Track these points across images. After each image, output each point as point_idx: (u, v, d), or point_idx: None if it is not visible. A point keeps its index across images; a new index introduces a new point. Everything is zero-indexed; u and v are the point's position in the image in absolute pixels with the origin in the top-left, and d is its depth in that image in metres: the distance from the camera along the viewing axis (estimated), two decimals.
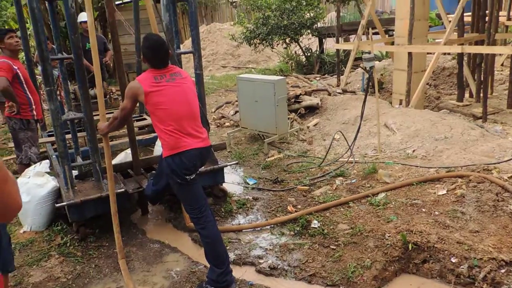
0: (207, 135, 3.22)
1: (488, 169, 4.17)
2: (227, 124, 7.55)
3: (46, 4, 3.85)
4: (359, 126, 5.32)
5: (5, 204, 1.15)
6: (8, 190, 1.15)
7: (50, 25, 4.95)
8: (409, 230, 3.38)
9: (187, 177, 2.97)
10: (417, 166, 4.61)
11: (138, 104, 4.60)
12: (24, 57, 5.43)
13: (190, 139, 2.97)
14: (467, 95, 7.98)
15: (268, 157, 5.73)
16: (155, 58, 2.96)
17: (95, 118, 3.84)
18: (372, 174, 4.61)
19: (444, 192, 3.95)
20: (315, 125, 6.82)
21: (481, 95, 6.80)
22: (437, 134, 5.35)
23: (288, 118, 6.64)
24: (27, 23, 7.26)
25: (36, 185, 3.88)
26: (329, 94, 7.80)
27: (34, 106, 4.61)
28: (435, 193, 3.98)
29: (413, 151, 5.15)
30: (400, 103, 7.40)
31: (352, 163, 5.06)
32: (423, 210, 3.72)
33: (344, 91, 8.12)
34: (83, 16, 6.58)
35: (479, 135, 5.21)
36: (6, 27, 17.88)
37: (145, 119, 6.07)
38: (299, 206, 4.23)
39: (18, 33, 5.00)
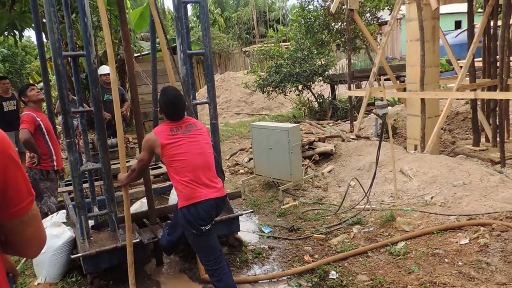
0: (222, 184, 3.23)
1: (511, 217, 4.05)
2: (241, 171, 7.56)
3: (69, 59, 4.03)
4: (375, 172, 5.27)
5: (42, 239, 1.27)
6: (42, 227, 1.26)
7: (71, 77, 5.15)
8: (432, 282, 3.25)
9: (203, 227, 2.95)
10: (436, 214, 4.49)
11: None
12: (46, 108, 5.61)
13: (206, 190, 2.98)
14: (483, 139, 7.91)
15: (283, 205, 5.68)
16: (172, 112, 3.06)
17: (112, 167, 3.89)
18: (390, 222, 4.51)
19: (467, 241, 3.82)
20: (329, 171, 6.78)
21: (498, 139, 6.73)
22: (455, 180, 5.26)
23: (303, 164, 6.63)
24: (50, 74, 7.56)
25: (52, 235, 3.88)
26: (343, 140, 7.82)
27: (54, 157, 4.71)
28: (457, 242, 3.85)
29: (431, 197, 5.05)
30: (415, 149, 7.36)
31: (369, 210, 4.97)
32: (446, 260, 3.59)
33: (358, 137, 8.14)
34: (103, 69, 6.86)
35: (498, 181, 5.10)
36: (30, 80, 18.68)
37: (160, 167, 6.12)
38: (316, 256, 4.12)
39: (40, 84, 5.21)
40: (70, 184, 4.84)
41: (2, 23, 6.01)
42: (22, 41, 8.40)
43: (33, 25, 5.29)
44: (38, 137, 4.55)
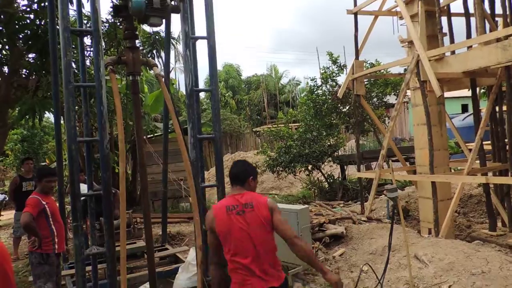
0: (275, 273, 2.97)
1: None
2: None
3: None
4: (388, 257, 5.05)
5: None
6: None
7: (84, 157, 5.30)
8: None
9: None
10: None
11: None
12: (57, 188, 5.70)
13: (254, 279, 2.86)
14: (499, 223, 7.67)
15: None
16: (232, 180, 3.09)
17: (117, 249, 3.82)
18: None
19: None
20: (341, 255, 6.54)
21: None
22: (473, 268, 5.00)
23: (312, 247, 6.43)
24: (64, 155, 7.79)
25: None
26: (354, 222, 7.65)
27: (56, 239, 4.66)
28: None
29: (449, 286, 4.78)
30: (430, 232, 7.14)
31: None
32: None
33: (369, 219, 7.97)
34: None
35: None
36: (47, 160, 19.07)
37: (166, 249, 6.00)
38: None
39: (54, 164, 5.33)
40: (73, 267, 4.72)
41: (23, 108, 6.36)
42: (42, 122, 8.79)
43: (52, 109, 5.57)
44: (41, 219, 4.56)
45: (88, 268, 4.39)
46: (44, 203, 4.58)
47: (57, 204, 5.23)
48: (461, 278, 4.88)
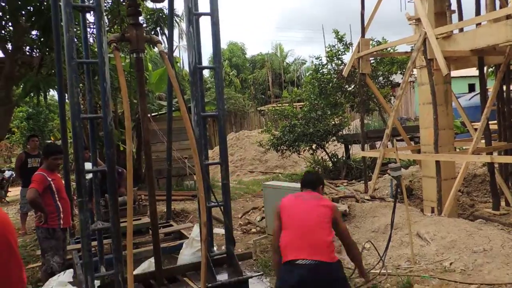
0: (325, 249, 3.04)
1: None
2: (253, 230, 7.43)
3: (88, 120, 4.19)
4: (390, 235, 5.11)
5: None
6: None
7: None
8: None
9: None
10: (456, 282, 4.28)
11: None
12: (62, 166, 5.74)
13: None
14: (503, 203, 7.69)
15: None
16: (305, 184, 3.57)
17: (122, 225, 3.88)
18: None
19: None
20: None
21: None
22: (475, 246, 5.05)
23: None
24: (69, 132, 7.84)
25: None
26: (357, 201, 7.69)
27: (62, 215, 4.74)
28: None
29: (451, 264, 4.84)
30: (432, 211, 7.17)
31: (384, 275, 4.76)
32: None
33: (373, 198, 8.00)
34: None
35: None
36: (52, 137, 19.22)
37: (171, 225, 6.08)
38: None
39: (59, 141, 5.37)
40: (79, 242, 4.81)
41: (27, 85, 6.37)
42: (47, 100, 8.80)
43: (56, 87, 5.57)
44: (47, 195, 4.63)
45: (94, 243, 4.47)
46: (49, 179, 4.64)
47: (63, 181, 5.30)
48: (462, 255, 4.93)
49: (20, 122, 19.38)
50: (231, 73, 37.87)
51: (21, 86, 7.14)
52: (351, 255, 3.44)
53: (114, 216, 3.56)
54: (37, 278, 5.26)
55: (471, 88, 24.82)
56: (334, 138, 12.14)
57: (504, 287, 3.97)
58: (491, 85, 8.28)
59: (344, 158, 12.52)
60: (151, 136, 4.27)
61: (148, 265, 4.56)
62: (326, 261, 2.96)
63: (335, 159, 12.48)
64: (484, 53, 7.13)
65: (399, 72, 12.63)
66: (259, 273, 4.75)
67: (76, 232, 5.86)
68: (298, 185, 6.25)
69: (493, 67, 8.49)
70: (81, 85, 6.62)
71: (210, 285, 3.81)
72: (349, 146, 12.72)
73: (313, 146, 12.20)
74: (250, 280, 4.26)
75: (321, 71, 12.81)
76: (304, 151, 12.53)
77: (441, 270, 4.73)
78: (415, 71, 8.34)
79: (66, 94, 5.86)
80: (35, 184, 4.49)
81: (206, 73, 33.18)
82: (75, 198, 6.11)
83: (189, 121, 3.63)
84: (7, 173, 12.73)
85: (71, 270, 4.33)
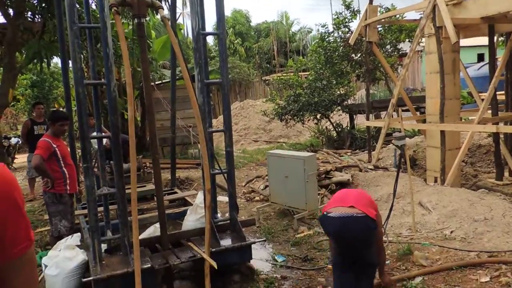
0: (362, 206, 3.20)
1: None
2: (257, 198, 7.53)
3: (92, 87, 4.18)
4: (392, 203, 5.15)
5: (33, 285, 1.24)
6: (35, 272, 1.26)
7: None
8: None
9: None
10: (456, 249, 4.35)
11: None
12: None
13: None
14: (506, 173, 7.69)
15: (298, 234, 5.59)
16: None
17: (128, 192, 3.94)
18: (408, 255, 4.38)
19: (488, 279, 3.67)
20: None
21: None
22: (476, 215, 5.09)
23: (319, 194, 6.56)
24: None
25: (65, 258, 3.91)
26: (360, 170, 7.73)
27: (68, 181, 4.80)
28: (477, 280, 3.70)
29: (451, 232, 4.90)
30: (435, 181, 7.20)
31: (385, 242, 4.84)
32: None
33: (376, 167, 8.03)
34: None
35: None
36: (56, 105, 19.27)
37: (175, 192, 6.15)
38: (329, 287, 4.02)
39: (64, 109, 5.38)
40: (86, 207, 4.90)
41: (30, 51, 6.31)
42: (50, 68, 8.76)
43: (59, 53, 5.52)
44: (53, 161, 4.67)
45: (100, 209, 4.55)
46: (54, 146, 4.67)
47: (68, 148, 5.33)
48: (463, 224, 4.98)
49: (24, 89, 19.38)
50: (236, 41, 37.26)
51: (24, 53, 7.09)
52: (382, 257, 3.64)
53: (119, 181, 3.61)
54: (46, 242, 5.40)
55: (480, 58, 24.33)
56: (339, 108, 12.06)
57: (503, 255, 4.02)
58: (501, 54, 8.12)
59: (348, 128, 12.49)
60: (155, 105, 4.26)
61: (153, 230, 4.66)
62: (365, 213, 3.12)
63: (340, 129, 12.45)
64: (494, 20, 6.96)
65: (407, 40, 12.38)
66: (262, 239, 4.83)
67: (83, 198, 5.97)
68: (303, 153, 6.30)
69: (504, 36, 8.30)
70: (84, 52, 6.56)
71: (214, 249, 3.90)
72: (354, 116, 12.67)
73: (318, 116, 12.15)
74: (253, 246, 4.35)
75: (327, 39, 12.59)
76: (308, 120, 12.49)
77: (441, 238, 4.79)
78: (423, 40, 8.18)
79: (69, 61, 5.83)
80: (40, 150, 4.53)
81: (210, 41, 32.68)
82: (80, 164, 6.18)
83: (192, 88, 3.61)
84: (13, 140, 12.85)
85: (79, 234, 4.43)
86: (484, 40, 8.19)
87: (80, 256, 3.98)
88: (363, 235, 3.12)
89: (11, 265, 1.13)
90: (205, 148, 3.67)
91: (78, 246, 4.14)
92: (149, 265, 3.65)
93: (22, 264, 1.15)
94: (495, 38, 7.58)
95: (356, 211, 3.08)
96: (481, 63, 16.11)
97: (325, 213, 3.21)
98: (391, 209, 5.12)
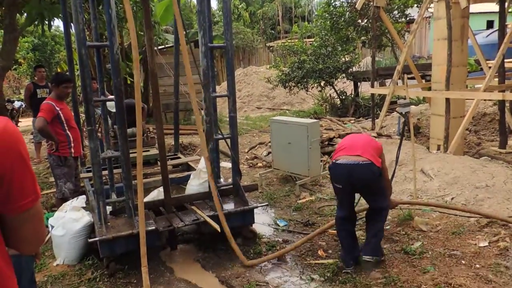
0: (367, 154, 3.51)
1: None
2: (259, 164, 7.58)
3: (94, 50, 4.12)
4: (394, 170, 5.17)
5: (40, 238, 1.30)
6: (43, 225, 1.28)
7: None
8: (448, 283, 3.20)
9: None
10: (456, 215, 4.40)
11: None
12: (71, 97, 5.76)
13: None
14: (510, 142, 7.67)
15: (300, 199, 5.67)
16: None
17: (132, 156, 3.97)
18: (408, 221, 4.44)
19: (486, 244, 3.74)
20: None
21: None
22: (477, 182, 5.12)
23: (321, 160, 6.59)
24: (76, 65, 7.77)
25: (71, 219, 3.99)
26: None
27: (72, 144, 4.82)
28: (475, 244, 3.77)
29: (452, 198, 4.94)
30: (438, 149, 7.20)
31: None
32: (463, 262, 3.52)
33: (379, 135, 8.02)
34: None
35: None
36: (58, 69, 19.17)
37: (179, 157, 6.20)
38: (330, 251, 4.10)
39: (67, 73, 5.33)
40: (91, 171, 4.96)
41: (31, 12, 6.18)
42: (52, 31, 8.63)
43: (61, 15, 5.42)
44: (57, 124, 4.66)
45: (105, 172, 4.60)
46: (58, 109, 4.66)
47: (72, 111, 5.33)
48: (464, 191, 5.02)
49: (26, 53, 19.19)
50: (240, 6, 36.39)
51: (25, 15, 6.95)
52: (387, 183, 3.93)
53: (123, 144, 3.63)
54: (52, 204, 5.51)
55: (489, 25, 23.77)
56: (344, 75, 11.91)
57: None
58: (511, 21, 7.92)
59: (352, 95, 12.39)
60: (158, 70, 4.21)
61: (157, 194, 4.73)
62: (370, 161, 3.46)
63: (344, 97, 12.35)
64: None
65: (415, 5, 12.04)
66: (265, 204, 4.90)
67: (87, 162, 6.03)
68: (306, 120, 6.28)
69: None
70: (86, 15, 6.44)
71: (217, 213, 3.96)
72: (358, 84, 12.52)
73: (322, 83, 12.03)
74: (255, 210, 4.42)
75: (333, 4, 12.26)
76: (312, 88, 12.37)
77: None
78: (432, 6, 7.95)
79: (71, 24, 5.74)
80: (43, 113, 4.52)
81: (214, 5, 31.95)
82: (84, 128, 6.20)
83: (187, 54, 3.54)
84: (17, 104, 12.84)
85: (84, 196, 4.50)
86: (494, 7, 7.94)
87: (86, 217, 4.07)
88: (368, 180, 3.47)
89: (20, 217, 1.15)
90: (199, 117, 3.67)
91: (83, 208, 4.22)
92: (154, 227, 3.74)
93: (30, 216, 1.18)
94: (506, 3, 7.33)
95: (362, 159, 3.44)
96: (490, 30, 15.74)
97: (334, 160, 3.56)
98: (393, 176, 5.15)
